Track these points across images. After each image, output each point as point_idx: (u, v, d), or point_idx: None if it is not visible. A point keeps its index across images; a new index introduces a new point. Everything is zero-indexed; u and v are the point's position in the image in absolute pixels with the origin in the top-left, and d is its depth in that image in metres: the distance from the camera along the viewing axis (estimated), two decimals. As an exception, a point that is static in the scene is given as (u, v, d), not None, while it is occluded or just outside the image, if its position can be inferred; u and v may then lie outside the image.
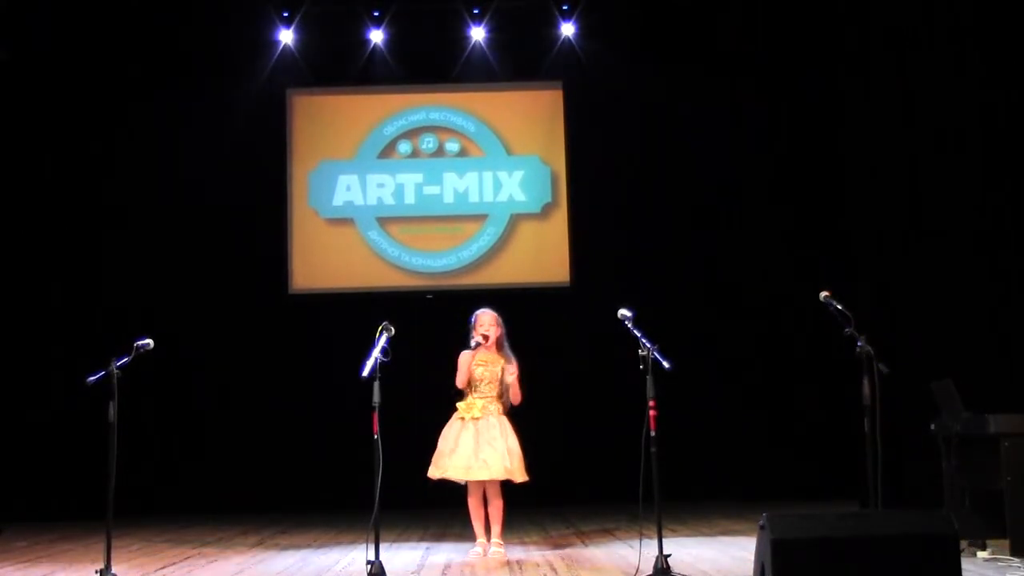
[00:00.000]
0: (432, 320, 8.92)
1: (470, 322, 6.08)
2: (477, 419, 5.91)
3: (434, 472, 5.94)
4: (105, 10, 9.35)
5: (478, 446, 5.84)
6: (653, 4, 9.64)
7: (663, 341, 4.90)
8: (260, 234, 9.60)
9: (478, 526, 6.03)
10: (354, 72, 9.83)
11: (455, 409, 6.03)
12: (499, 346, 6.06)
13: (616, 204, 9.64)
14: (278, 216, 9.68)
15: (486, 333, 5.97)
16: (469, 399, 6.00)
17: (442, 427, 6.03)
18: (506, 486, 5.97)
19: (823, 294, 5.07)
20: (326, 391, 9.00)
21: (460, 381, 6.01)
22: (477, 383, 5.99)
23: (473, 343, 5.95)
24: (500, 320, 6.10)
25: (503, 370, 6.02)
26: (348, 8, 9.67)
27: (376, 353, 4.95)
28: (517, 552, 6.11)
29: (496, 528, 5.96)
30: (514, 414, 6.08)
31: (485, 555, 5.88)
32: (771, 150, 9.55)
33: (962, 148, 7.43)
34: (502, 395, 6.03)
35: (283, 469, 9.11)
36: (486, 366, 6.00)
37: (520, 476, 5.92)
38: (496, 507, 5.95)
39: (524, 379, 6.07)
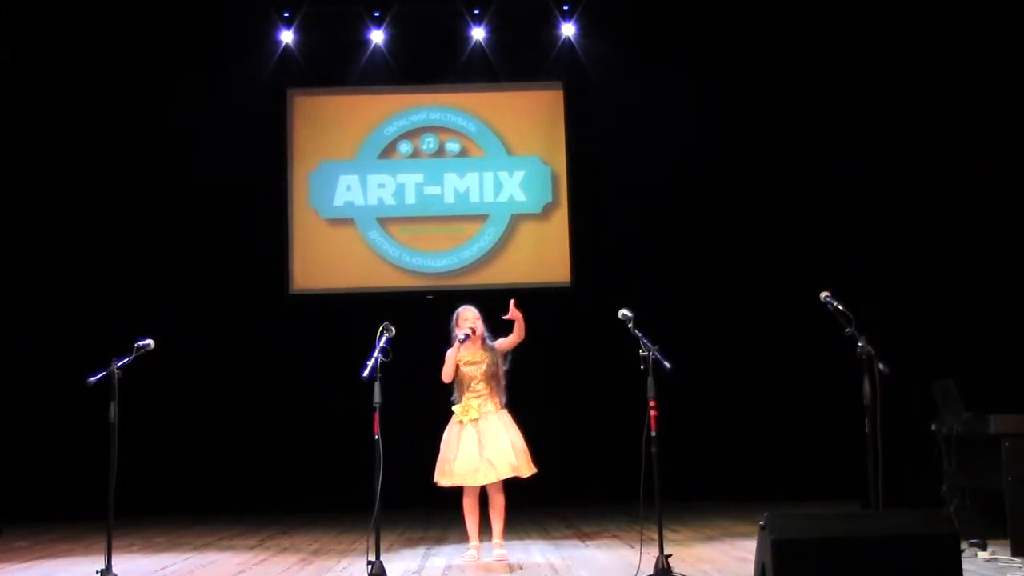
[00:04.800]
0: (432, 320, 8.86)
1: (452, 321, 5.96)
2: (476, 420, 5.78)
3: (441, 480, 5.79)
4: (105, 10, 9.35)
5: (482, 447, 5.70)
6: (653, 4, 9.64)
7: (663, 341, 4.89)
8: (260, 234, 9.61)
9: (472, 527, 5.85)
10: (354, 72, 9.83)
11: (452, 413, 5.91)
12: (483, 341, 5.93)
13: (616, 204, 9.63)
14: (278, 216, 9.68)
15: (473, 327, 5.84)
16: (464, 401, 5.85)
17: (442, 427, 5.98)
18: (509, 483, 5.81)
19: (823, 294, 5.06)
20: (326, 391, 8.99)
21: (446, 375, 5.86)
22: (468, 382, 5.85)
23: (461, 336, 5.80)
24: (480, 316, 5.97)
25: (493, 351, 5.87)
26: (348, 8, 9.67)
27: (376, 353, 4.95)
28: (517, 552, 6.09)
29: (497, 527, 5.81)
30: (514, 412, 5.96)
31: (479, 558, 5.74)
32: (771, 149, 9.55)
33: (963, 147, 7.44)
34: (496, 392, 5.87)
35: (283, 469, 9.11)
36: (476, 364, 5.86)
37: (527, 470, 5.76)
38: (498, 506, 5.78)
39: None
